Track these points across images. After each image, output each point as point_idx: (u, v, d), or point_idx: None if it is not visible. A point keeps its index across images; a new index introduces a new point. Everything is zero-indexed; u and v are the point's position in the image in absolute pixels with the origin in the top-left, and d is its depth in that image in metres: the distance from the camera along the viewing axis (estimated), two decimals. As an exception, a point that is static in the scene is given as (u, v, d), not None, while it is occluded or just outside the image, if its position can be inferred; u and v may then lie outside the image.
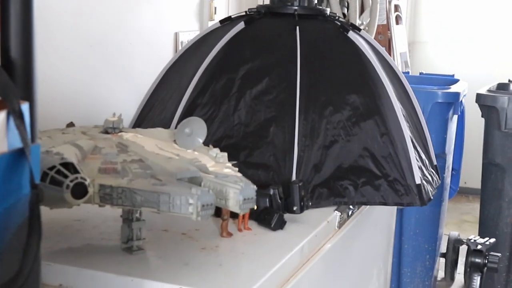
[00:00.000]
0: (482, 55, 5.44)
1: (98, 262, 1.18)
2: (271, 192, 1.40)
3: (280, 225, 1.37)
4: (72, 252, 1.23)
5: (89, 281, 1.14)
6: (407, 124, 1.67)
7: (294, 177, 1.49)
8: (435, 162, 1.86)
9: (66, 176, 1.02)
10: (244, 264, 1.23)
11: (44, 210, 1.12)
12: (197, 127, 1.23)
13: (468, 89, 3.50)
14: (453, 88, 3.34)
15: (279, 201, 1.40)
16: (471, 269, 1.64)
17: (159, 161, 1.14)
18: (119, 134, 1.25)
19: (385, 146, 1.58)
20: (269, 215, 1.37)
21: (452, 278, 3.69)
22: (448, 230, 3.75)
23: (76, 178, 1.01)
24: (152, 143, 1.22)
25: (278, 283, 1.21)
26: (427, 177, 1.68)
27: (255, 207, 1.34)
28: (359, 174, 1.54)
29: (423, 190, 1.59)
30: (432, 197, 1.65)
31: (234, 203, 1.07)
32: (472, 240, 1.63)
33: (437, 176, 1.80)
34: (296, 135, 1.52)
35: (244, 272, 1.19)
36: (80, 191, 1.02)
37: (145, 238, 1.24)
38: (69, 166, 1.04)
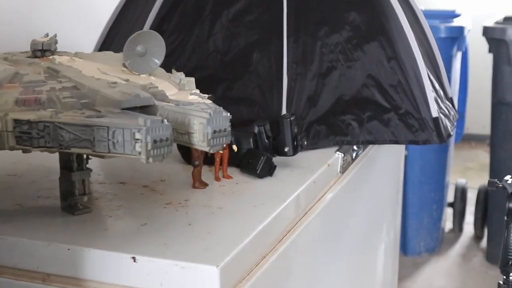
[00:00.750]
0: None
1: (27, 227, 0.90)
2: (256, 130, 1.18)
3: (269, 170, 1.14)
4: (-4, 215, 0.95)
5: (10, 252, 0.86)
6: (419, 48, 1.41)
7: (284, 112, 1.28)
8: (450, 94, 1.61)
9: (-39, 108, 0.73)
10: (221, 222, 0.95)
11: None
12: (153, 44, 0.93)
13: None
14: (457, 22, 3.20)
15: (266, 140, 1.18)
16: (508, 217, 1.37)
17: (100, 88, 0.84)
18: (50, 57, 0.95)
19: (394, 73, 1.36)
20: (254, 159, 1.14)
21: (460, 229, 3.55)
22: (453, 179, 3.57)
23: (-27, 109, 0.72)
24: (94, 66, 0.93)
25: (268, 244, 0.96)
26: (443, 110, 1.46)
27: (235, 149, 1.09)
28: (363, 107, 1.34)
29: (441, 125, 1.37)
30: (451, 133, 1.40)
31: (200, 137, 0.78)
32: (509, 182, 1.36)
33: (454, 109, 1.55)
34: (285, 62, 1.33)
35: (221, 233, 0.91)
36: (-20, 128, 0.73)
37: (91, 193, 0.96)
38: (-29, 96, 0.76)
